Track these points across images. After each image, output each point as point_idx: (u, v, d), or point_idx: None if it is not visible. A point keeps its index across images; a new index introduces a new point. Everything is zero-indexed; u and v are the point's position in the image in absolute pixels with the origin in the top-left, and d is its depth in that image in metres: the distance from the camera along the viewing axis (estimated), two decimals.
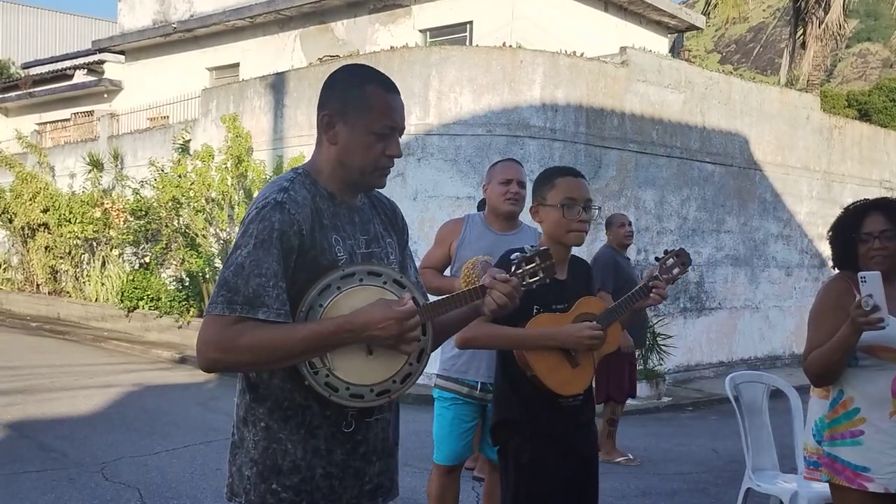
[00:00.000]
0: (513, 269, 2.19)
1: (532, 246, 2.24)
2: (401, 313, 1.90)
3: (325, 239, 1.99)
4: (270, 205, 1.94)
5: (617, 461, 6.89)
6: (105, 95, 21.11)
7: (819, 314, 3.15)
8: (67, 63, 22.46)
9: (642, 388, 10.17)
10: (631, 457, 7.03)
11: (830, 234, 3.29)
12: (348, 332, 1.89)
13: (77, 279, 16.43)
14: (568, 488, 2.89)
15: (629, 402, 9.95)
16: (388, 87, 2.08)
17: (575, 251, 3.08)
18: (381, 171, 2.08)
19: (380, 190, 2.24)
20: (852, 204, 3.29)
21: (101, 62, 20.98)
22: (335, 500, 2.03)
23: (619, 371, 6.89)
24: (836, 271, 3.30)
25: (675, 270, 3.03)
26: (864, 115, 27.40)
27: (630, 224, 7.00)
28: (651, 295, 2.97)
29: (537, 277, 2.21)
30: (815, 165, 14.84)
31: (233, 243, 1.98)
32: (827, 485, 4.17)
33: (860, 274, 2.91)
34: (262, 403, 2.01)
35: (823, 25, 18.95)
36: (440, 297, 2.08)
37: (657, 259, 3.06)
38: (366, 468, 2.07)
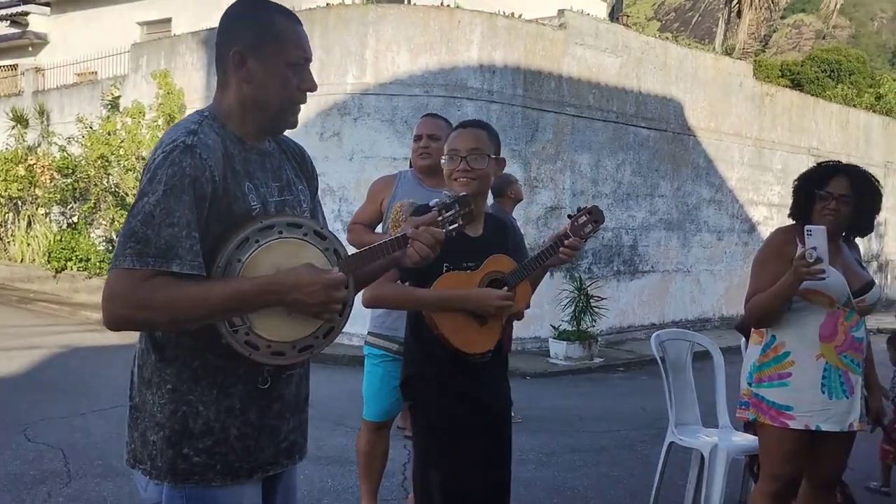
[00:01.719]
0: (434, 216, 2.14)
1: (449, 193, 2.20)
2: (330, 280, 1.84)
3: (237, 186, 1.87)
4: (180, 148, 1.80)
5: None
6: (30, 49, 20.33)
7: (763, 261, 3.34)
8: None
9: (575, 349, 10.34)
10: None
11: (796, 183, 3.43)
12: (273, 294, 1.80)
13: (1, 239, 15.90)
14: (479, 443, 2.91)
15: (562, 362, 10.19)
16: (293, 17, 1.99)
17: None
18: (295, 109, 1.99)
19: (297, 143, 2.16)
20: (825, 162, 3.44)
21: (26, 14, 20.17)
22: (251, 461, 1.94)
23: None
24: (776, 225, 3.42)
25: (588, 228, 2.91)
26: (797, 85, 27.95)
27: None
28: (561, 250, 2.88)
29: (457, 224, 2.17)
30: (747, 132, 15.12)
31: (138, 190, 1.84)
32: (745, 436, 4.33)
33: (806, 227, 3.08)
34: (169, 364, 1.89)
35: None
36: (362, 249, 2.03)
37: (569, 216, 2.96)
38: (280, 426, 1.99)
